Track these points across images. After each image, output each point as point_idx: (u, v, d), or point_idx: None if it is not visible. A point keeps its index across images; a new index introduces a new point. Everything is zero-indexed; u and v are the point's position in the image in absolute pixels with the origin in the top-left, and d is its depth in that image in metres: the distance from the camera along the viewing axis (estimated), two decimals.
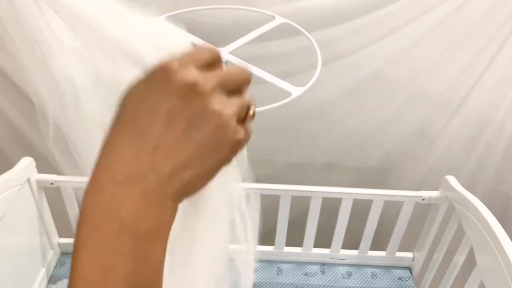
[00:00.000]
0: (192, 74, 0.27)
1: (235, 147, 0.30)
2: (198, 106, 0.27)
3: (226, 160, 0.31)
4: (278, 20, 0.66)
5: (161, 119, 0.27)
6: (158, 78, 0.28)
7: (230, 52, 0.59)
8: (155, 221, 0.27)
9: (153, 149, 0.27)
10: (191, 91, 0.27)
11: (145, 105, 0.27)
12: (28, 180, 1.05)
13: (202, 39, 0.62)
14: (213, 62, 0.30)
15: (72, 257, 0.27)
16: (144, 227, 0.27)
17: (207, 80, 0.28)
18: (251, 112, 0.31)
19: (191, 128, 0.28)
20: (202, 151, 0.28)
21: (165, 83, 0.27)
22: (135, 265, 0.26)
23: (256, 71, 0.56)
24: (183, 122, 0.27)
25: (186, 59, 0.28)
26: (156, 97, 0.27)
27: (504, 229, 0.88)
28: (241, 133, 0.31)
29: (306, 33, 0.62)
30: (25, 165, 1.04)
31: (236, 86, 0.30)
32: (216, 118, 0.28)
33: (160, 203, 0.27)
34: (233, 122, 0.29)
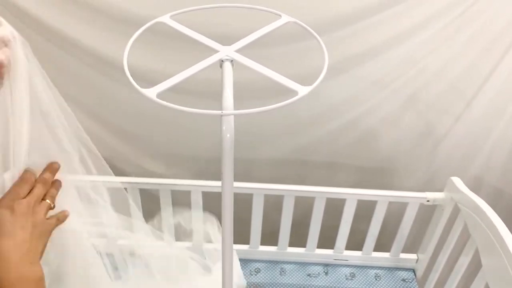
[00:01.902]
0: (21, 204, 0.56)
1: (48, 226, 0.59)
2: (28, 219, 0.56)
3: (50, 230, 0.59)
4: (285, 19, 0.66)
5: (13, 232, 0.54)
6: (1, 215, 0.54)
7: (236, 51, 0.59)
8: (40, 272, 0.54)
9: (28, 242, 0.54)
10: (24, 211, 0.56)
11: (6, 233, 0.53)
12: None
13: (207, 37, 0.61)
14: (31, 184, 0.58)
15: None
16: (36, 277, 0.53)
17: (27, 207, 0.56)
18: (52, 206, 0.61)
19: (34, 225, 0.56)
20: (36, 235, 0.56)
21: (9, 214, 0.54)
22: None
23: (262, 70, 0.56)
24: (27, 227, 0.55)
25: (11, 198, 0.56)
26: (8, 224, 0.54)
27: (510, 231, 0.87)
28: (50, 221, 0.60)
29: (313, 32, 0.62)
30: None
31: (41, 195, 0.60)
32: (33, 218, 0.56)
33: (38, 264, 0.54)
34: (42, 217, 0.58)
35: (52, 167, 0.61)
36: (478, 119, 1.21)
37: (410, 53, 1.13)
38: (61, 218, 0.62)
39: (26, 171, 0.59)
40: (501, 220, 0.90)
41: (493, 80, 1.14)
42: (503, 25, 1.07)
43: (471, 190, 1.02)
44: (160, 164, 1.33)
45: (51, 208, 0.60)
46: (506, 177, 1.29)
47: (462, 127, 1.23)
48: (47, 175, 0.60)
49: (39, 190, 0.58)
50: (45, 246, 0.57)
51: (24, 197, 0.56)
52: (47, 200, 0.59)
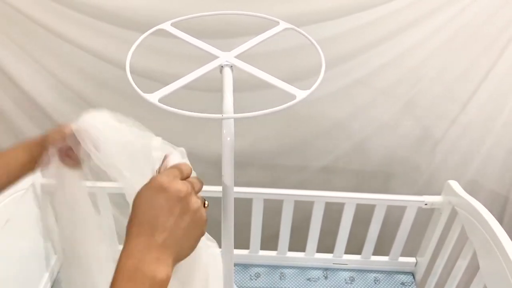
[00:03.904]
0: (179, 185, 0.46)
1: (205, 225, 0.49)
2: (184, 205, 0.46)
3: (202, 233, 0.49)
4: (282, 26, 0.67)
5: (164, 213, 0.45)
6: (158, 189, 0.45)
7: (235, 57, 0.60)
8: (164, 275, 0.43)
9: (163, 230, 0.44)
10: (179, 196, 0.45)
11: (153, 206, 0.45)
12: (33, 184, 1.06)
13: (207, 43, 0.62)
14: (188, 174, 0.49)
15: None
16: (159, 278, 0.43)
17: (187, 188, 0.46)
18: (206, 204, 0.50)
19: (182, 217, 0.45)
20: (189, 231, 0.46)
21: (163, 192, 0.45)
22: None
23: (260, 74, 0.57)
24: (177, 214, 0.45)
25: (172, 174, 0.47)
26: (160, 201, 0.45)
27: (506, 233, 0.88)
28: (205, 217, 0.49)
29: (311, 38, 0.63)
30: None
31: (198, 189, 0.49)
32: (195, 211, 0.47)
33: (167, 263, 0.44)
34: (203, 211, 0.48)
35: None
36: (473, 122, 1.22)
37: (405, 56, 1.14)
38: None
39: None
40: (498, 223, 0.91)
41: (487, 84, 1.16)
42: (496, 30, 1.09)
43: (468, 193, 1.03)
44: None
45: (205, 207, 0.50)
46: (502, 180, 1.31)
47: (458, 131, 1.24)
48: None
49: (197, 183, 0.49)
50: (192, 246, 0.48)
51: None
52: (204, 200, 0.50)
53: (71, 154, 0.63)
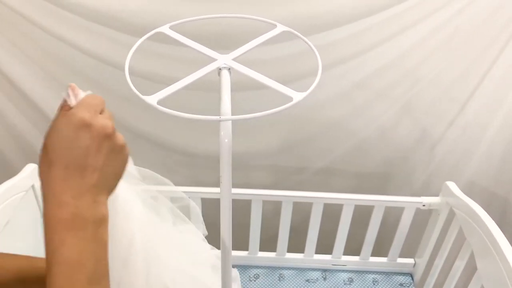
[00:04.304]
0: (104, 121, 0.42)
1: (127, 157, 0.47)
2: (112, 142, 0.43)
3: (126, 164, 0.47)
4: (280, 28, 0.68)
5: (93, 153, 0.41)
6: (81, 125, 0.41)
7: (233, 59, 0.61)
8: (104, 214, 0.42)
9: (93, 171, 0.42)
10: (106, 133, 0.42)
11: (78, 146, 0.41)
12: (33, 186, 1.06)
13: (205, 46, 0.63)
14: (104, 107, 0.45)
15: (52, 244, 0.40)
16: (100, 219, 0.42)
17: (112, 123, 0.43)
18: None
19: (111, 155, 0.43)
20: (119, 167, 0.45)
21: (88, 129, 0.41)
22: (96, 245, 0.41)
23: (257, 76, 0.58)
24: (106, 152, 0.42)
25: (92, 108, 0.43)
26: (86, 139, 0.41)
27: (504, 234, 0.88)
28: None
29: (307, 40, 0.64)
30: (30, 172, 1.05)
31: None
32: (122, 147, 0.45)
33: (103, 202, 0.43)
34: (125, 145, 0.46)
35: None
36: (471, 124, 1.23)
37: (402, 58, 1.15)
38: None
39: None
40: (495, 224, 0.91)
41: (485, 85, 1.16)
42: (493, 32, 1.09)
43: (467, 194, 1.03)
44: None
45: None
46: (499, 180, 1.31)
47: (456, 132, 1.25)
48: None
49: (111, 114, 0.46)
50: (119, 180, 0.46)
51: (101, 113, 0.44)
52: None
53: None
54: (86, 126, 0.41)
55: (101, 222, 0.42)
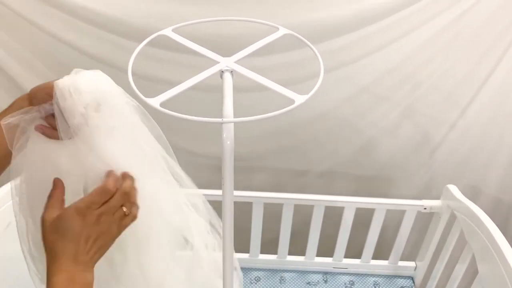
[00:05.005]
0: (93, 214, 0.55)
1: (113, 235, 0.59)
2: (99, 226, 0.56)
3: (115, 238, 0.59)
4: (282, 31, 0.68)
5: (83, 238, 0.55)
6: (72, 219, 0.54)
7: (235, 62, 0.61)
8: (91, 278, 0.55)
9: (87, 252, 0.55)
10: (94, 221, 0.55)
11: (71, 237, 0.54)
12: None
13: (208, 47, 0.63)
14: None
15: None
16: (86, 282, 0.55)
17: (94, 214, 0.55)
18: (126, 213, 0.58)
19: (99, 236, 0.56)
20: (97, 246, 0.56)
21: (80, 221, 0.54)
22: None
23: (260, 79, 0.58)
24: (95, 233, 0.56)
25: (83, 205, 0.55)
26: (76, 230, 0.54)
27: (506, 238, 0.88)
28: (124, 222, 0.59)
29: (309, 43, 0.64)
30: None
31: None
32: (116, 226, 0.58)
33: (91, 271, 0.56)
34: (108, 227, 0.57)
35: (130, 176, 0.59)
36: (472, 127, 1.23)
37: (404, 63, 1.15)
38: (133, 215, 0.59)
39: (109, 176, 0.56)
40: (496, 227, 0.91)
41: (487, 88, 1.16)
42: (495, 36, 1.10)
43: (469, 198, 1.03)
44: None
45: (125, 215, 0.58)
46: (504, 186, 1.31)
47: (457, 135, 1.25)
48: (128, 183, 0.58)
49: (116, 202, 0.57)
50: (103, 254, 0.58)
51: (99, 207, 0.55)
52: (124, 208, 0.57)
53: (52, 122, 0.57)
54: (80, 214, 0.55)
55: (88, 285, 0.56)
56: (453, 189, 1.08)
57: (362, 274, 1.27)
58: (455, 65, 1.15)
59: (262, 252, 1.25)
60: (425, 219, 1.18)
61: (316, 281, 1.25)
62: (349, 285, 1.24)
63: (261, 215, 1.15)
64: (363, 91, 1.21)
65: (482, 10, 1.06)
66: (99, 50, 1.11)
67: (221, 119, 0.53)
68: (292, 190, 1.17)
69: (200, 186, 1.18)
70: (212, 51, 0.63)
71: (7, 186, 0.97)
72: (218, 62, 0.61)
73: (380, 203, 1.14)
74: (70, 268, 0.54)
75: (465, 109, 1.21)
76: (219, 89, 0.57)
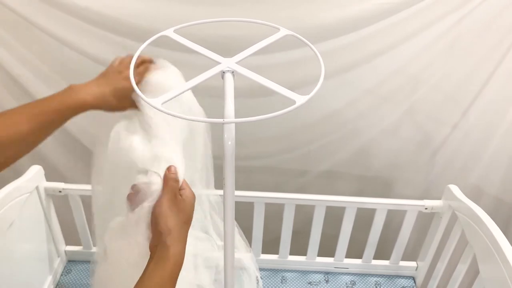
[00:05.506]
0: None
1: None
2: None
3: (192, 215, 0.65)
4: (283, 32, 0.68)
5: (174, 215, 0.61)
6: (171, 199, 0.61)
7: (236, 63, 0.61)
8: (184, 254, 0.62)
9: (184, 224, 0.61)
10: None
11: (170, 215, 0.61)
12: (37, 188, 1.07)
13: (209, 48, 0.64)
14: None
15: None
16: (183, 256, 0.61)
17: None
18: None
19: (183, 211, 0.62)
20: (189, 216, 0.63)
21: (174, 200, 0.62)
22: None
23: (261, 80, 0.58)
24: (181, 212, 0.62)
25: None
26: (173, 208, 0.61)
27: (508, 239, 0.88)
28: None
29: (310, 44, 0.64)
30: (34, 173, 1.06)
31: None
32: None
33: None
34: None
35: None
36: (474, 128, 1.23)
37: (406, 64, 1.15)
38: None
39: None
40: (498, 228, 0.91)
41: (489, 89, 1.16)
42: (496, 37, 1.10)
43: (470, 199, 1.03)
44: None
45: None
46: (505, 186, 1.31)
47: (459, 136, 1.25)
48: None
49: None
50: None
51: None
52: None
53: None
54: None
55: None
56: (455, 189, 1.08)
57: (363, 274, 1.27)
58: (457, 67, 1.15)
59: (263, 252, 1.25)
60: (426, 219, 1.18)
61: (318, 281, 1.25)
62: (350, 285, 1.24)
63: (262, 215, 1.16)
64: (365, 92, 1.21)
65: (484, 12, 1.06)
66: (101, 50, 1.12)
67: (222, 119, 0.53)
68: (294, 190, 1.17)
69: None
70: (214, 52, 0.64)
71: (9, 186, 0.98)
72: (219, 63, 0.61)
73: (381, 203, 1.14)
74: (183, 245, 0.61)
75: (466, 110, 1.21)
76: (220, 90, 0.58)
